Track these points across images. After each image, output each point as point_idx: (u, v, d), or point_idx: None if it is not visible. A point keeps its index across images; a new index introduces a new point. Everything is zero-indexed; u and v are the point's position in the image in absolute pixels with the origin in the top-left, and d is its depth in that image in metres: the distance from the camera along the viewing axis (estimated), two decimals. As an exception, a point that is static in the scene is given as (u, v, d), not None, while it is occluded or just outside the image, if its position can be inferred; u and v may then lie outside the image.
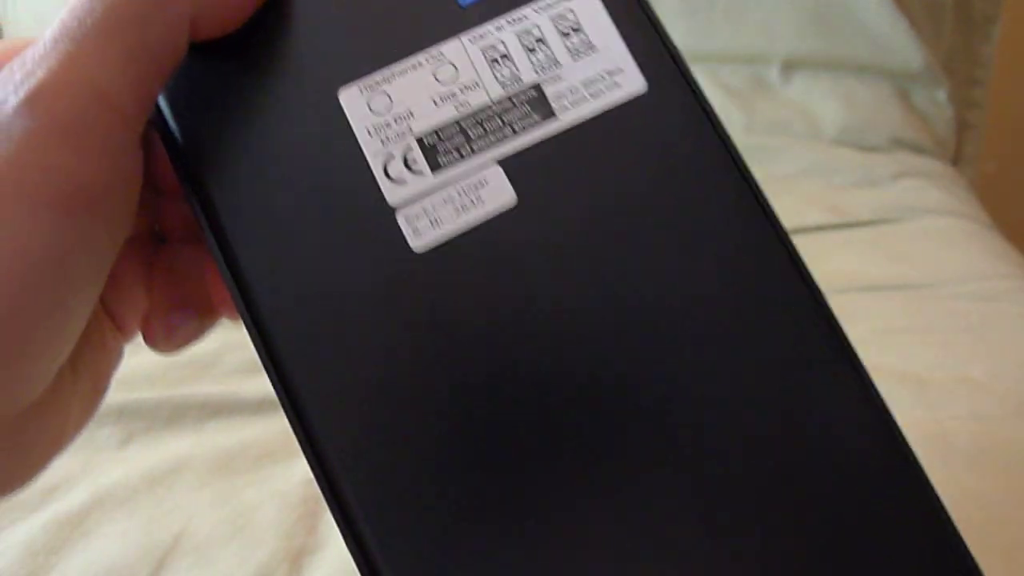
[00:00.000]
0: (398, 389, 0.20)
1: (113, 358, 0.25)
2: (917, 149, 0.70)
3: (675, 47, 0.22)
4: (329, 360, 0.20)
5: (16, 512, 0.44)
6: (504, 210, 0.21)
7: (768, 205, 0.22)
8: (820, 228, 0.61)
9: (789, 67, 0.71)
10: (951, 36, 0.73)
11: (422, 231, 0.21)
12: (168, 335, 0.25)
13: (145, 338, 0.25)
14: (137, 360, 0.31)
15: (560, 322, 0.21)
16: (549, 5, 0.22)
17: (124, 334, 0.26)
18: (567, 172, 0.21)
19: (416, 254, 0.21)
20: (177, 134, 0.22)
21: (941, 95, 0.73)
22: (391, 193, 0.21)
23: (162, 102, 0.22)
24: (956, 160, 0.76)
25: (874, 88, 0.71)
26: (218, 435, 0.45)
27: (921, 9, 0.72)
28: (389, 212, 0.21)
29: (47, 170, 0.18)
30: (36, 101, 0.18)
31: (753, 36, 0.71)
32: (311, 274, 0.21)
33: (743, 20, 0.71)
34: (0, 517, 0.44)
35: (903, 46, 0.70)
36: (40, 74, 0.19)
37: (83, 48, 0.19)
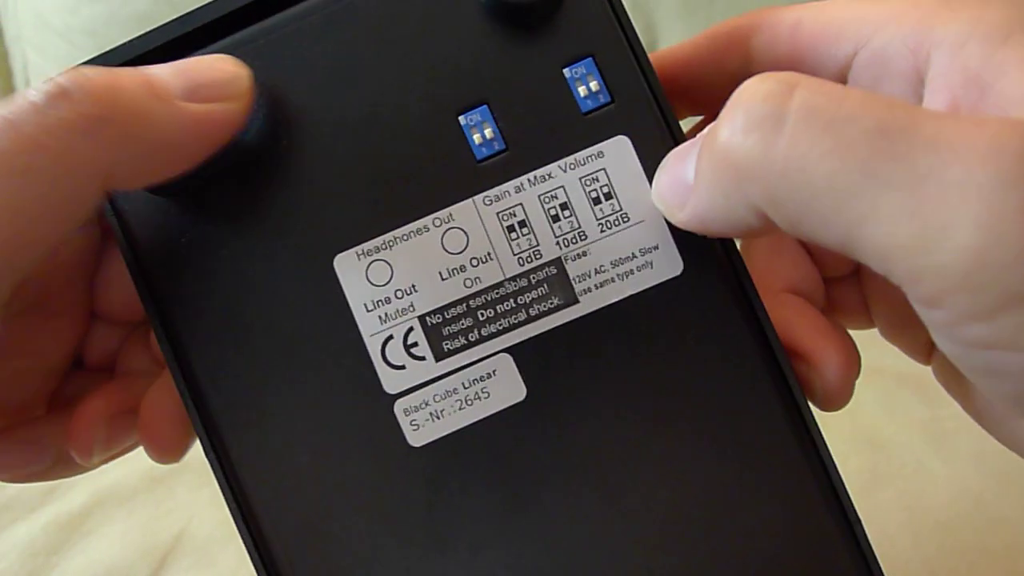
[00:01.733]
0: None
1: None
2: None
3: None
4: (316, 559, 0.19)
5: (16, 512, 0.44)
6: (512, 404, 0.19)
7: (807, 409, 0.19)
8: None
9: (789, 67, 0.71)
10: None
11: (421, 425, 0.19)
12: (108, 444, 0.21)
13: (77, 451, 0.21)
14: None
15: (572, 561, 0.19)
16: (578, 162, 0.19)
17: None
18: (583, 365, 0.19)
19: (413, 449, 0.19)
20: (156, 296, 0.19)
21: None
22: (389, 380, 0.19)
23: (133, 244, 0.19)
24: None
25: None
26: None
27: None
28: (386, 401, 0.19)
29: None
30: None
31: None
32: (296, 466, 0.19)
33: (743, 20, 0.70)
34: (1, 517, 0.44)
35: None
36: None
37: None
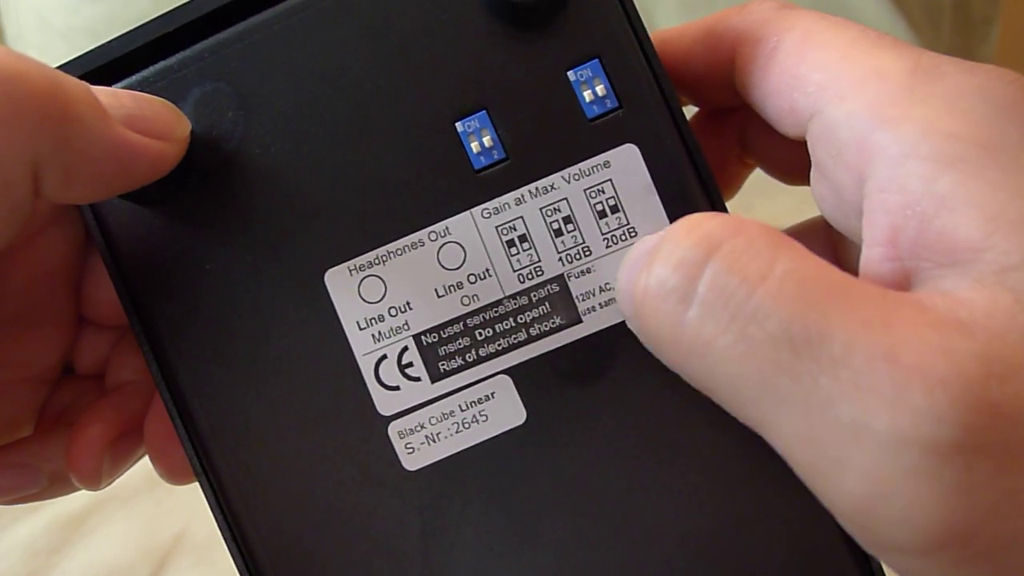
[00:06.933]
0: None
1: None
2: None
3: None
4: None
5: (17, 512, 0.43)
6: (511, 428, 0.18)
7: None
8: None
9: (788, 67, 0.70)
10: (950, 37, 0.71)
11: (417, 449, 0.18)
12: (113, 470, 0.21)
13: (84, 483, 0.20)
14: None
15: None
16: (583, 173, 0.17)
17: None
18: (586, 388, 0.17)
19: (407, 473, 0.18)
20: (141, 311, 0.18)
21: (940, 96, 0.71)
22: (383, 402, 0.18)
23: (119, 261, 0.18)
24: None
25: (874, 88, 0.70)
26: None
27: (920, 10, 0.70)
28: (380, 423, 0.18)
29: None
30: None
31: (753, 36, 0.69)
32: (286, 489, 0.18)
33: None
34: (1, 517, 0.43)
35: (902, 47, 0.69)
36: None
37: None
